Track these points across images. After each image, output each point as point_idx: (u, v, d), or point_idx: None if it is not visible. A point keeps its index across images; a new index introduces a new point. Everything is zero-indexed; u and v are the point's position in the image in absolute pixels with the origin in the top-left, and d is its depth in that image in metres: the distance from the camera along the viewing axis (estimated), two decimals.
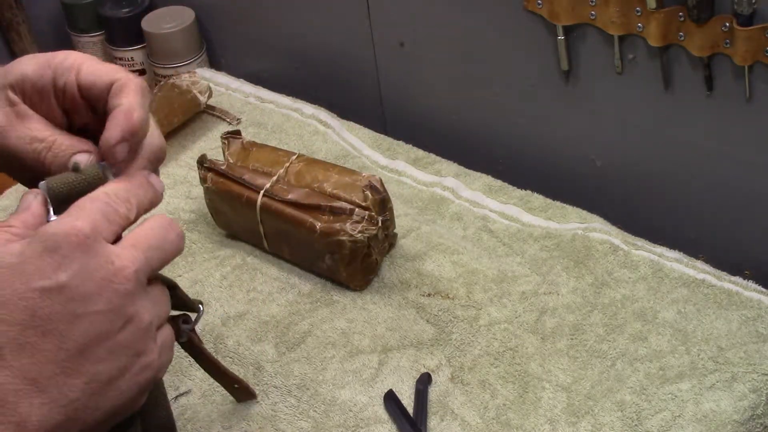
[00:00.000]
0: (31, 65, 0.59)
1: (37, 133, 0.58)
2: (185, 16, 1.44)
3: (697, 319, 0.87)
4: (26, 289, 0.48)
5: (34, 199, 0.54)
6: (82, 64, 0.59)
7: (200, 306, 0.64)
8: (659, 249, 0.95)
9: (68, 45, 1.56)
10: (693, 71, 0.97)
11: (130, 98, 0.56)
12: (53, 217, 0.54)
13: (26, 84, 0.59)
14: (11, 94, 0.58)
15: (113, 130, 0.56)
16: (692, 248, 0.96)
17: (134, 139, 0.56)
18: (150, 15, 1.46)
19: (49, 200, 0.55)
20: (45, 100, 0.59)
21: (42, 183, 0.56)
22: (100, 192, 0.53)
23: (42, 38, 1.56)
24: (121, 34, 1.48)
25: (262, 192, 0.93)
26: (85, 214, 0.51)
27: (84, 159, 0.57)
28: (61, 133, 0.58)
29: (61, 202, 0.55)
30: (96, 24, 1.51)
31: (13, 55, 1.54)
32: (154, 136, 0.59)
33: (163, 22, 1.44)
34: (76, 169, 0.56)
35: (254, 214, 0.93)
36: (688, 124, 1.01)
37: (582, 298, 0.90)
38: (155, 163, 0.59)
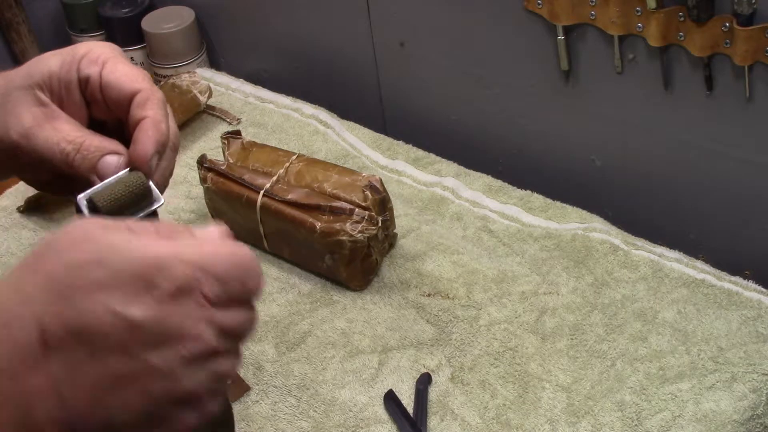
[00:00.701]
0: (55, 61, 0.59)
1: (65, 134, 0.57)
2: (185, 16, 1.45)
3: (697, 319, 0.87)
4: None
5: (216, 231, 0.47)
6: (107, 61, 0.58)
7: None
8: (659, 249, 0.95)
9: (68, 45, 1.55)
10: (693, 71, 0.97)
11: (154, 110, 0.57)
12: None
13: (53, 80, 0.58)
14: (40, 94, 0.58)
15: (147, 143, 0.55)
16: (692, 248, 0.96)
17: (163, 150, 0.57)
18: (150, 15, 1.46)
19: (88, 214, 0.53)
20: (72, 95, 0.59)
21: (81, 197, 0.53)
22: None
23: (42, 38, 1.55)
24: (121, 34, 1.48)
25: (262, 192, 0.93)
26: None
27: (114, 161, 0.57)
28: (89, 133, 0.58)
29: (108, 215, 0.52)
30: (96, 24, 1.51)
31: (13, 55, 1.54)
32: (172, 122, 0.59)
33: (163, 22, 1.44)
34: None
35: (254, 214, 0.93)
36: (688, 124, 1.01)
37: (582, 298, 0.90)
38: (174, 151, 0.60)
